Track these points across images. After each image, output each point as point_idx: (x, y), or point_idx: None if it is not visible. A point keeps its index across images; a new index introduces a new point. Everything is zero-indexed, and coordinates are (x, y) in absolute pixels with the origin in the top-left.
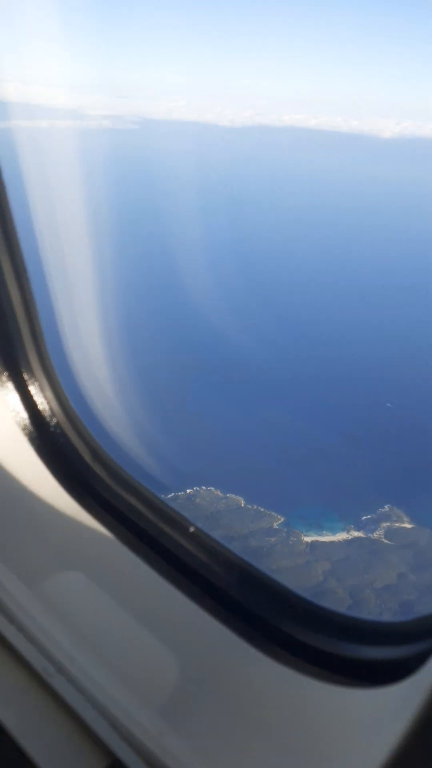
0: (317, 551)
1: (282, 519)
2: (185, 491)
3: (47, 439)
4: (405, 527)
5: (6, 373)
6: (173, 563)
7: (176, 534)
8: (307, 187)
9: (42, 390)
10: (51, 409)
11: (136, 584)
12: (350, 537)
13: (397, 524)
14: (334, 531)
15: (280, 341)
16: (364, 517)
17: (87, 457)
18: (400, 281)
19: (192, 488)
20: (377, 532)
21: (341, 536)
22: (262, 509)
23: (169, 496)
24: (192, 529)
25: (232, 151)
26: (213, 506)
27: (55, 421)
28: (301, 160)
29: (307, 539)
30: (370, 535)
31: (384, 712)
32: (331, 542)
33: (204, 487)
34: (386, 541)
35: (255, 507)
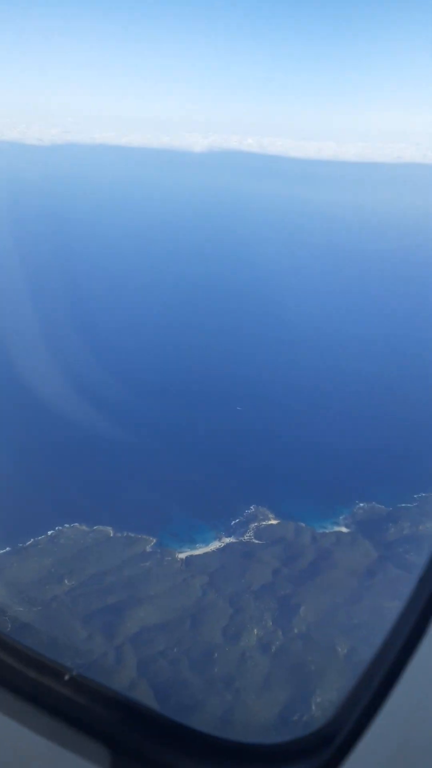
0: (193, 566)
1: (154, 540)
2: (46, 533)
3: None
4: (272, 524)
5: None
6: (57, 716)
7: (53, 683)
8: (134, 204)
9: None
10: None
11: (20, 752)
12: (222, 544)
13: (264, 522)
14: (206, 542)
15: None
16: (233, 522)
17: None
18: (246, 302)
19: (54, 528)
20: (247, 534)
21: (214, 545)
22: (133, 535)
23: (29, 542)
24: (67, 677)
25: (43, 171)
26: (80, 543)
27: None
28: (117, 177)
29: (182, 556)
30: (240, 538)
31: None
32: (205, 553)
33: (68, 525)
34: (257, 541)
35: (125, 534)
